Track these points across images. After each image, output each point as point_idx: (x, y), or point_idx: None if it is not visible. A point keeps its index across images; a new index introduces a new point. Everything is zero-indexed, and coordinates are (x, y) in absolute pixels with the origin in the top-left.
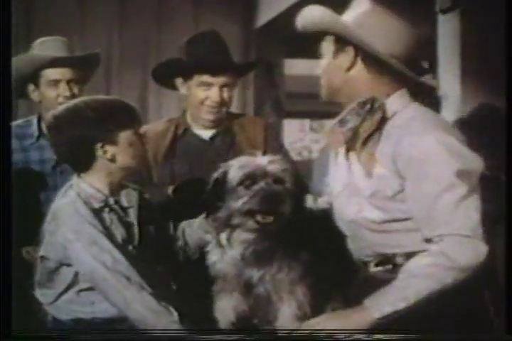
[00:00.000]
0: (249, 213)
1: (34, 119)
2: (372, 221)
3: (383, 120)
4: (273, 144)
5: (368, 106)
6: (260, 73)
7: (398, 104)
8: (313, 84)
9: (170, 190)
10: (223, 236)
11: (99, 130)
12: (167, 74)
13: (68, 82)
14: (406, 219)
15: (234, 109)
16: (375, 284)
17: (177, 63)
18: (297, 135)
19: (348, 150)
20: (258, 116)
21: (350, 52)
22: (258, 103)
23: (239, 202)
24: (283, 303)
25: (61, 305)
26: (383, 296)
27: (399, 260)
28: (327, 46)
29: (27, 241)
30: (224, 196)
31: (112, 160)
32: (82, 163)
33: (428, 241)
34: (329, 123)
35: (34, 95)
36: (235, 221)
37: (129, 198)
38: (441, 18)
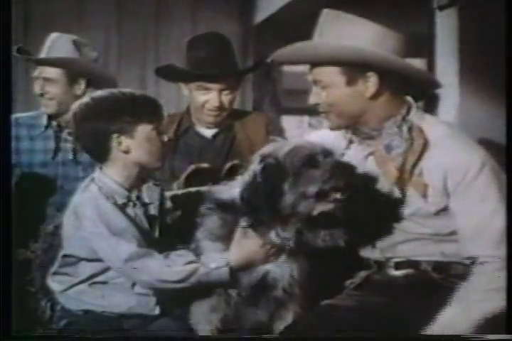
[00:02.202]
0: (326, 193)
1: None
2: (411, 233)
3: (426, 142)
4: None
5: (405, 127)
6: (259, 69)
7: (418, 119)
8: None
9: (182, 177)
10: (272, 234)
11: (116, 120)
12: (168, 78)
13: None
14: (448, 234)
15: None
16: (375, 283)
17: (174, 70)
18: (295, 131)
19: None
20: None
21: (372, 77)
22: (257, 99)
23: (313, 183)
24: (290, 303)
25: (72, 295)
26: (450, 327)
27: (424, 266)
28: (332, 76)
29: (27, 236)
30: (281, 185)
31: (126, 152)
32: (99, 152)
33: (471, 258)
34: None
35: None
36: (301, 208)
37: (150, 194)
38: (439, 15)
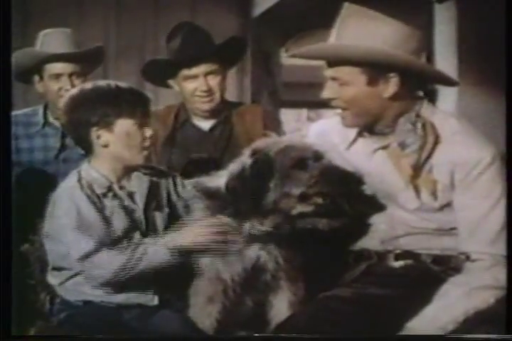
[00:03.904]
0: (309, 196)
1: (40, 108)
2: (414, 227)
3: (438, 138)
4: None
5: (419, 124)
6: (257, 62)
7: (429, 113)
8: (310, 73)
9: (184, 169)
10: (247, 225)
11: (96, 113)
12: (155, 77)
13: (70, 75)
14: (451, 229)
15: (231, 98)
16: (374, 275)
17: (155, 65)
18: (294, 125)
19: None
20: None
21: (394, 78)
22: (255, 92)
23: (299, 185)
24: (281, 289)
25: (71, 286)
26: (433, 321)
27: (424, 257)
28: (353, 75)
29: (26, 233)
30: (268, 181)
31: (105, 146)
32: (84, 145)
33: (464, 254)
34: (326, 113)
35: (39, 86)
36: (282, 205)
37: (138, 182)
38: (438, 7)
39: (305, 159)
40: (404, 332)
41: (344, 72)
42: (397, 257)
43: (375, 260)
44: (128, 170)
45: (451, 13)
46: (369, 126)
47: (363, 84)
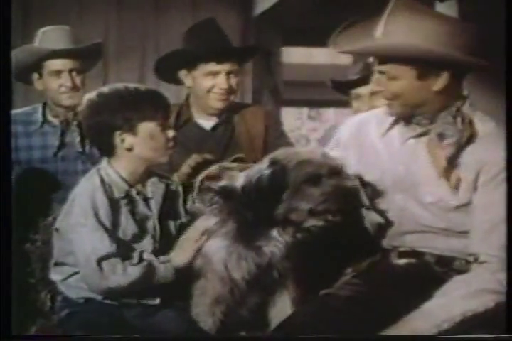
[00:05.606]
0: (319, 212)
1: (39, 106)
2: (422, 224)
3: (473, 136)
4: (273, 132)
5: (459, 118)
6: (258, 61)
7: (470, 112)
8: (311, 72)
9: (185, 169)
10: (275, 232)
11: (119, 118)
12: (170, 67)
13: (70, 72)
14: (460, 232)
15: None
16: (376, 273)
17: (180, 54)
18: (295, 123)
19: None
20: (257, 104)
21: (445, 75)
22: (256, 91)
23: (309, 201)
24: (285, 288)
25: (73, 283)
26: (429, 317)
27: (427, 257)
28: (403, 70)
29: (26, 231)
30: (281, 193)
31: (130, 149)
32: (106, 148)
33: (473, 255)
34: (327, 112)
35: (38, 84)
36: (293, 217)
37: (154, 189)
38: (439, 6)
39: (319, 175)
40: (399, 326)
41: (394, 67)
42: (401, 255)
43: (379, 257)
44: (147, 174)
45: (452, 11)
46: (410, 117)
47: (413, 79)
